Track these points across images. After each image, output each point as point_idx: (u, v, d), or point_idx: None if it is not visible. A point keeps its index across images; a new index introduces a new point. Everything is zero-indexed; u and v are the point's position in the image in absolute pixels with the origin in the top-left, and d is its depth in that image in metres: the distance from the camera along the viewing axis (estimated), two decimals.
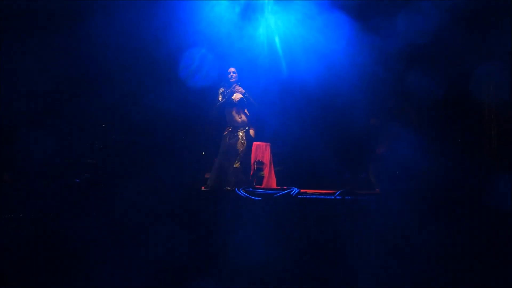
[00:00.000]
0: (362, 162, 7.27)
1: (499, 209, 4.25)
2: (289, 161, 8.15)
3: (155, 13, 6.78)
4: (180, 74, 6.93)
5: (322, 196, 5.25)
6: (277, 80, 7.51)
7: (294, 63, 7.44)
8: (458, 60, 6.42)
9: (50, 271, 4.16)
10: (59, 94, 6.57)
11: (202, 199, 5.63)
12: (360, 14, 6.99)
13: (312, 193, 5.64)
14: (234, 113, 6.50)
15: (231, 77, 6.55)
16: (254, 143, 7.01)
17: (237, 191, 5.43)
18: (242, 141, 6.41)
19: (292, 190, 5.42)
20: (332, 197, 5.10)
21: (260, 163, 7.55)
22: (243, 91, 6.44)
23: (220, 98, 6.49)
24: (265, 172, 7.60)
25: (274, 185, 7.44)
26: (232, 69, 6.58)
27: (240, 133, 6.44)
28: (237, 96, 6.42)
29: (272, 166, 7.70)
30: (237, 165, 6.29)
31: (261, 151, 7.61)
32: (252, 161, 7.31)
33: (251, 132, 6.55)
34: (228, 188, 6.04)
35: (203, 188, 6.42)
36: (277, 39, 7.46)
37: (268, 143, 7.75)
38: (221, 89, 6.55)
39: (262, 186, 7.17)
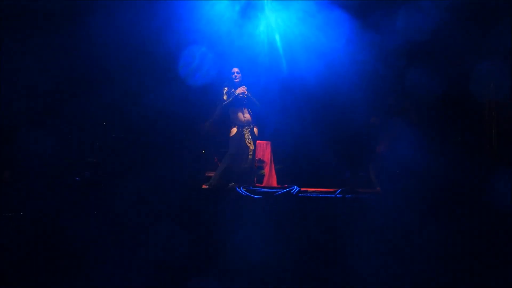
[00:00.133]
0: (362, 161, 7.27)
1: (499, 209, 4.25)
2: (289, 160, 8.14)
3: (155, 12, 6.78)
4: (180, 72, 6.94)
5: (323, 195, 5.26)
6: (277, 79, 7.51)
7: (294, 61, 7.44)
8: (458, 59, 6.42)
9: (50, 271, 4.16)
10: (60, 93, 6.57)
11: (203, 197, 5.63)
12: (360, 12, 6.99)
13: (313, 192, 5.64)
14: (239, 112, 6.50)
15: (235, 77, 6.54)
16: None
17: (238, 190, 5.43)
18: (249, 140, 6.43)
19: (293, 189, 5.42)
20: (333, 195, 5.11)
21: (260, 162, 7.54)
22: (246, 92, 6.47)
23: (225, 98, 6.48)
24: (266, 170, 7.60)
25: (274, 184, 7.44)
26: (235, 69, 6.58)
27: (246, 132, 6.46)
28: (240, 90, 6.42)
29: (273, 164, 7.70)
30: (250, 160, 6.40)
31: (262, 149, 7.60)
32: None
33: (255, 130, 6.57)
34: (233, 183, 6.07)
35: (204, 186, 6.43)
36: (277, 37, 7.46)
37: (269, 142, 7.75)
38: (225, 89, 6.53)
39: (262, 185, 7.17)
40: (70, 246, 4.32)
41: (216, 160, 7.42)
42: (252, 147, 6.43)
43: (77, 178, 5.77)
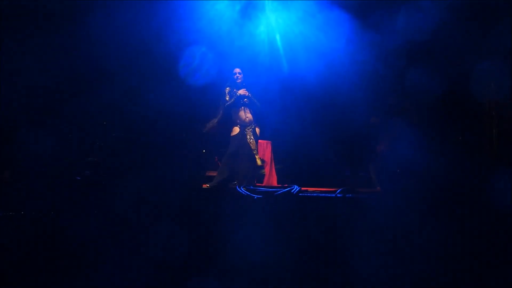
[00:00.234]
0: (362, 160, 7.27)
1: (499, 209, 4.25)
2: (290, 159, 8.15)
3: (155, 12, 6.78)
4: (181, 72, 6.93)
5: (323, 194, 5.26)
6: (278, 78, 7.52)
7: (294, 61, 7.45)
8: (458, 59, 6.41)
9: (50, 270, 4.16)
10: (60, 92, 6.57)
11: (203, 197, 5.63)
12: (361, 12, 6.99)
13: (313, 191, 5.64)
14: (241, 112, 6.50)
15: (237, 78, 6.55)
16: None
17: (238, 189, 5.43)
18: (251, 140, 6.43)
19: (293, 188, 5.42)
20: (333, 195, 5.11)
21: (261, 161, 7.55)
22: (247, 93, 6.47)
23: (227, 98, 6.48)
24: (266, 170, 7.59)
25: (275, 183, 7.45)
26: (237, 70, 6.58)
27: (248, 132, 6.46)
28: (241, 92, 6.44)
29: (273, 164, 7.70)
30: (259, 162, 6.41)
31: (262, 149, 7.60)
32: None
33: (257, 130, 6.58)
34: (235, 183, 6.08)
35: (204, 186, 6.44)
36: (277, 37, 7.46)
37: (269, 141, 7.75)
38: (227, 89, 6.54)
39: (263, 184, 7.17)
40: (70, 245, 4.32)
41: (217, 159, 7.43)
42: (253, 147, 6.43)
43: (78, 178, 5.77)
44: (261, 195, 5.19)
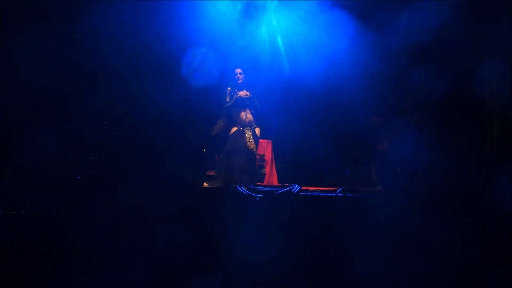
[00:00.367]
0: (363, 160, 7.27)
1: (499, 209, 4.25)
2: (290, 159, 8.16)
3: (156, 11, 6.78)
4: (182, 72, 6.94)
5: (324, 194, 5.25)
6: (279, 78, 7.52)
7: (296, 61, 7.44)
8: (459, 59, 6.41)
9: (51, 269, 4.17)
10: (61, 91, 6.57)
11: (204, 196, 5.63)
12: (362, 12, 6.98)
13: (314, 191, 5.64)
14: (242, 112, 6.52)
15: (238, 78, 6.56)
16: None
17: (239, 188, 5.43)
18: (250, 140, 6.44)
19: (294, 188, 5.41)
20: (334, 194, 5.10)
21: (261, 161, 7.56)
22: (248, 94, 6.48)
23: (228, 99, 6.49)
24: (267, 169, 7.61)
25: (275, 183, 7.46)
26: (238, 70, 6.59)
27: (247, 132, 6.47)
28: (243, 93, 6.45)
29: (274, 163, 7.71)
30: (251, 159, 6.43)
31: (263, 148, 7.61)
32: None
33: (257, 130, 6.59)
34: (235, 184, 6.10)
35: (205, 184, 6.45)
36: (279, 37, 7.47)
37: (270, 141, 7.76)
38: (229, 89, 6.55)
39: (263, 184, 7.18)
40: (71, 244, 4.33)
41: (217, 159, 7.43)
42: (252, 146, 6.44)
43: (78, 177, 5.78)
44: (261, 194, 5.19)
